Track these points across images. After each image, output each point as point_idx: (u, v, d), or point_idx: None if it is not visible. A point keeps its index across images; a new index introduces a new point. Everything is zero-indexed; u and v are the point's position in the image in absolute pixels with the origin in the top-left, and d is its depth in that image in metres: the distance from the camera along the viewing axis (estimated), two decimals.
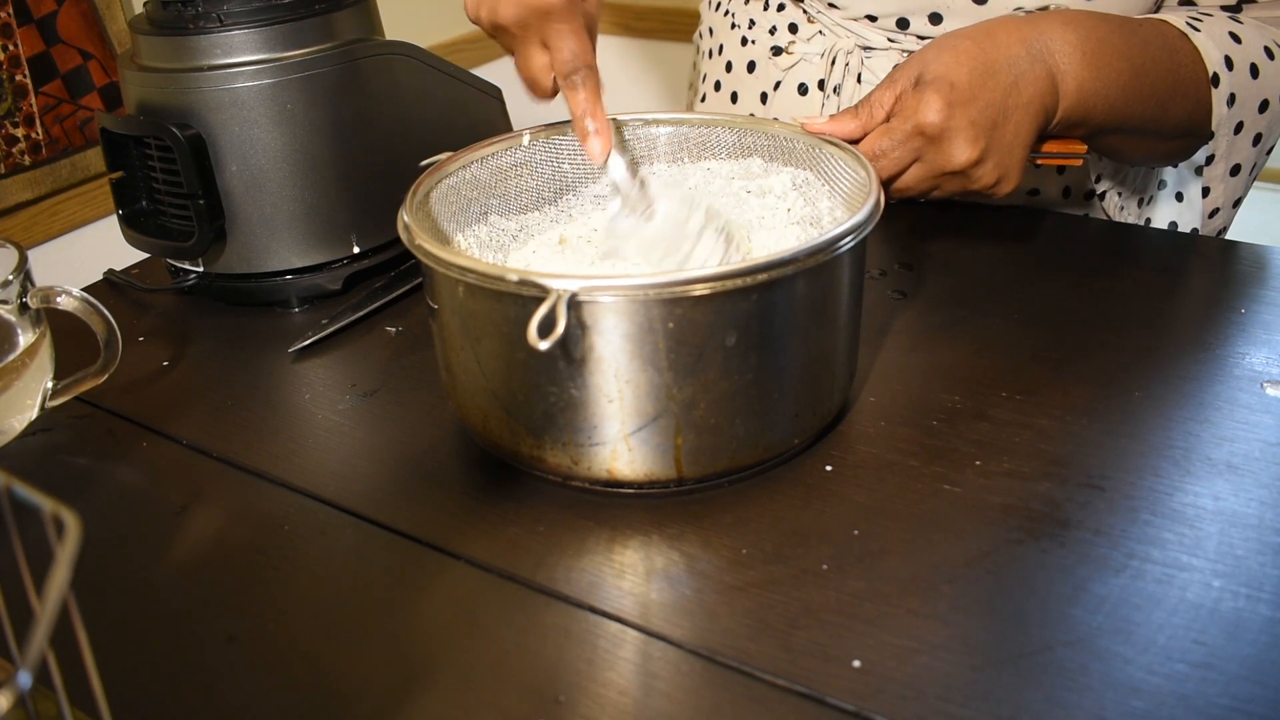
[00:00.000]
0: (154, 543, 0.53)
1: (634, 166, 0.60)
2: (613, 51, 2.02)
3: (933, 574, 0.48)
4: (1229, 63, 0.72)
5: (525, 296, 0.47)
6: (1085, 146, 0.69)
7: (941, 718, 0.41)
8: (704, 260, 0.58)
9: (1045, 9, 0.76)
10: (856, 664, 0.43)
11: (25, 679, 0.25)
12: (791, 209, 0.64)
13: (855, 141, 0.64)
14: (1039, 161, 0.70)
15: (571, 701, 0.42)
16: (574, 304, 0.47)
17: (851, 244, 0.51)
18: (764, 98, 0.90)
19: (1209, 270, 0.76)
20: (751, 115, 0.92)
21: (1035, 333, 0.67)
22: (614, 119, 0.67)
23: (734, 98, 0.93)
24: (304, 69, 0.70)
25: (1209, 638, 0.44)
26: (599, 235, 0.64)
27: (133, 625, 0.48)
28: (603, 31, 1.96)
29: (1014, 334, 0.67)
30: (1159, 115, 0.71)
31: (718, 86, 0.95)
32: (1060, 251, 0.78)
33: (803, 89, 0.87)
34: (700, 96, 0.99)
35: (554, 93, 0.60)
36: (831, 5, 0.84)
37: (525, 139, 0.65)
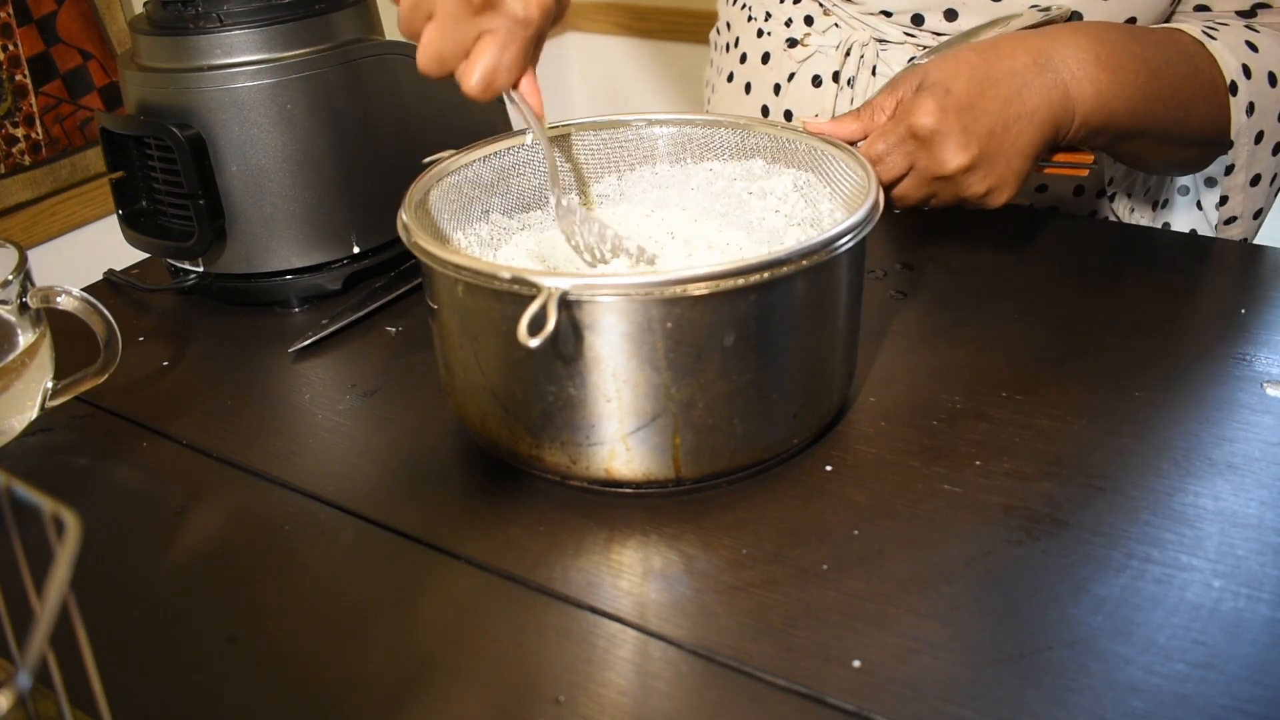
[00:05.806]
0: (154, 543, 0.53)
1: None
2: (615, 51, 2.02)
3: (933, 574, 0.48)
4: (1246, 71, 0.72)
5: (521, 295, 0.47)
6: (1093, 156, 0.69)
7: (941, 718, 0.41)
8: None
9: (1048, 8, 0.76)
10: (856, 664, 0.43)
11: (25, 679, 0.25)
12: (793, 210, 0.64)
13: (856, 143, 0.64)
14: (1046, 170, 0.70)
15: (571, 701, 0.42)
16: (571, 303, 0.47)
17: (850, 244, 0.51)
18: (777, 89, 0.90)
19: (1209, 271, 0.76)
20: (760, 114, 0.92)
21: (1035, 333, 0.67)
22: (617, 119, 0.67)
23: (747, 88, 0.93)
24: (304, 69, 0.70)
25: (1209, 638, 0.44)
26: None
27: (133, 625, 0.48)
28: (604, 31, 1.98)
29: (1014, 334, 0.67)
30: (1181, 118, 0.71)
31: (730, 78, 0.95)
32: (1060, 252, 0.78)
33: (817, 81, 0.87)
34: (711, 89, 0.99)
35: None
36: None
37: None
